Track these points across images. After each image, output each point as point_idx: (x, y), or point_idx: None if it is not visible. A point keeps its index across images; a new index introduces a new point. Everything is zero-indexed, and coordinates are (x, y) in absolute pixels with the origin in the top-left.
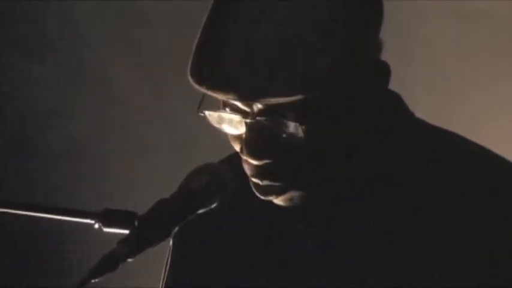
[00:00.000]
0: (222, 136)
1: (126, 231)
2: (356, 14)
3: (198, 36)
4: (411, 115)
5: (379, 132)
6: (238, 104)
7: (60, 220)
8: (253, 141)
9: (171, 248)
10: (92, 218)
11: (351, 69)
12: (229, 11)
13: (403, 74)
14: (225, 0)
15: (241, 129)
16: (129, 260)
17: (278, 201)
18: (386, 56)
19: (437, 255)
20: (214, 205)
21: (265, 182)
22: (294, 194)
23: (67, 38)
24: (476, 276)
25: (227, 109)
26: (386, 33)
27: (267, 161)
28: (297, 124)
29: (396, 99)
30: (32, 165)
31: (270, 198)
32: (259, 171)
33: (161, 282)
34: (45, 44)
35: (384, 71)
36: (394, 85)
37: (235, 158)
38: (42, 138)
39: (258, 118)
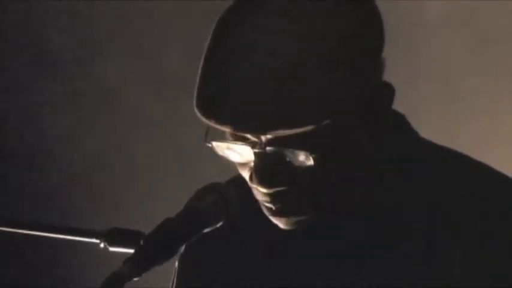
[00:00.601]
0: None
1: (132, 251)
2: (360, 39)
3: (200, 67)
4: (416, 134)
5: (387, 155)
6: (247, 135)
7: (65, 239)
8: (262, 170)
9: (177, 268)
10: (97, 238)
11: (359, 95)
12: (230, 43)
13: (407, 93)
14: (224, 31)
15: (250, 158)
16: (135, 279)
17: (284, 225)
18: (390, 75)
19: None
20: (219, 224)
21: (278, 206)
22: (302, 218)
23: (77, 56)
24: None
25: (235, 139)
26: (391, 52)
27: (278, 189)
28: (307, 153)
29: (401, 119)
30: (39, 184)
31: (281, 219)
32: (270, 198)
33: None
34: (56, 63)
35: (388, 92)
36: (397, 105)
37: (241, 177)
38: (50, 158)
39: (267, 148)
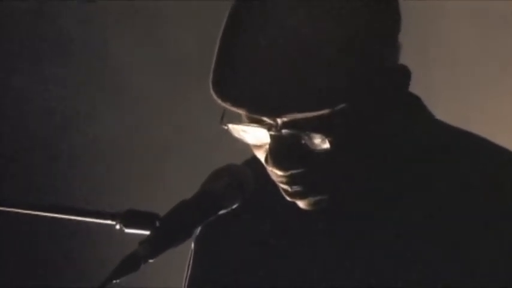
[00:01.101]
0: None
1: (148, 232)
2: (376, 22)
3: (216, 50)
4: (431, 116)
5: (402, 137)
6: (263, 117)
7: (81, 221)
8: (278, 153)
9: (193, 250)
10: (113, 219)
11: (375, 78)
12: (246, 26)
13: (420, 76)
14: (239, 15)
15: (265, 140)
16: (151, 260)
17: (303, 205)
18: (403, 58)
19: (462, 255)
20: (235, 206)
21: (294, 188)
22: (320, 198)
23: (90, 40)
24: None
25: (250, 121)
26: (403, 38)
27: (293, 172)
28: (323, 136)
29: (416, 101)
30: (54, 166)
31: (297, 200)
32: (286, 180)
33: (183, 283)
34: (68, 46)
35: (404, 75)
36: (410, 90)
37: (256, 159)
38: (64, 139)
39: (283, 131)
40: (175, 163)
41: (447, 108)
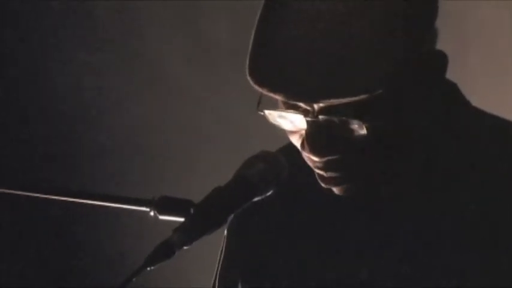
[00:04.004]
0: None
1: (182, 219)
2: (414, 9)
3: (253, 35)
4: (468, 104)
5: (440, 125)
6: (300, 103)
7: (115, 208)
8: (315, 139)
9: (226, 237)
10: (147, 206)
11: (412, 64)
12: (286, 10)
13: (456, 63)
14: (277, 0)
15: (302, 126)
16: (185, 247)
17: (338, 191)
18: (440, 44)
19: (501, 249)
20: (269, 193)
21: (329, 174)
22: (356, 185)
23: (123, 28)
24: None
25: (287, 107)
26: (440, 23)
27: (330, 158)
28: (360, 122)
29: (453, 88)
30: (87, 154)
31: (332, 187)
32: (322, 166)
33: (216, 269)
34: (101, 35)
35: (441, 61)
36: (448, 74)
37: (291, 146)
38: (100, 128)
39: (320, 117)
40: (210, 150)
41: (483, 96)
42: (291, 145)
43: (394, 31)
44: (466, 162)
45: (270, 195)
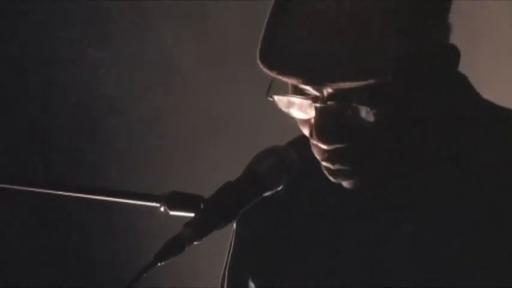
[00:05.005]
0: (287, 119)
1: (192, 215)
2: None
3: (266, 19)
4: (479, 95)
5: (449, 116)
6: (309, 88)
7: (126, 204)
8: (323, 125)
9: (235, 231)
10: (158, 202)
11: (422, 54)
12: None
13: (466, 57)
14: None
15: (311, 114)
16: (195, 243)
17: (347, 184)
18: (451, 38)
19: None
20: (280, 188)
21: (337, 166)
22: (364, 178)
23: (134, 23)
24: None
25: (296, 93)
26: (452, 16)
27: (338, 146)
28: (368, 109)
29: (463, 80)
30: (97, 149)
31: (340, 181)
32: (329, 156)
33: (224, 264)
34: (112, 30)
35: (453, 54)
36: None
37: (300, 140)
38: (107, 123)
39: (328, 103)
40: (220, 145)
41: (492, 90)
42: (300, 139)
43: (406, 19)
44: (477, 154)
45: (279, 190)
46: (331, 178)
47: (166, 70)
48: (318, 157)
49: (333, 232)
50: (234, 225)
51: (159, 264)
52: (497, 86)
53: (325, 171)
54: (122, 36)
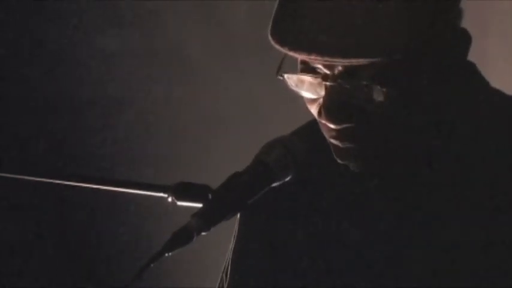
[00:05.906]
0: (295, 109)
1: (200, 205)
2: None
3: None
4: (488, 84)
5: (460, 102)
6: (319, 66)
7: (133, 194)
8: (332, 104)
9: (239, 221)
10: (165, 192)
11: (433, 36)
12: None
13: (476, 46)
14: None
15: (320, 93)
16: (203, 233)
17: (354, 167)
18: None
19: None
20: (288, 178)
21: (346, 144)
22: (372, 160)
23: (143, 14)
24: None
25: (306, 72)
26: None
27: (346, 125)
28: (378, 87)
29: (472, 68)
30: (105, 140)
31: (347, 162)
32: (338, 134)
33: (229, 252)
34: (122, 20)
35: (464, 39)
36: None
37: (306, 129)
38: (116, 113)
39: (338, 81)
40: (228, 136)
41: (501, 80)
42: (306, 128)
43: (419, 2)
44: (485, 142)
45: (288, 180)
46: (338, 159)
47: (175, 61)
48: (326, 135)
49: (339, 222)
50: (236, 225)
51: (166, 254)
52: (506, 76)
53: (333, 152)
54: (130, 27)
